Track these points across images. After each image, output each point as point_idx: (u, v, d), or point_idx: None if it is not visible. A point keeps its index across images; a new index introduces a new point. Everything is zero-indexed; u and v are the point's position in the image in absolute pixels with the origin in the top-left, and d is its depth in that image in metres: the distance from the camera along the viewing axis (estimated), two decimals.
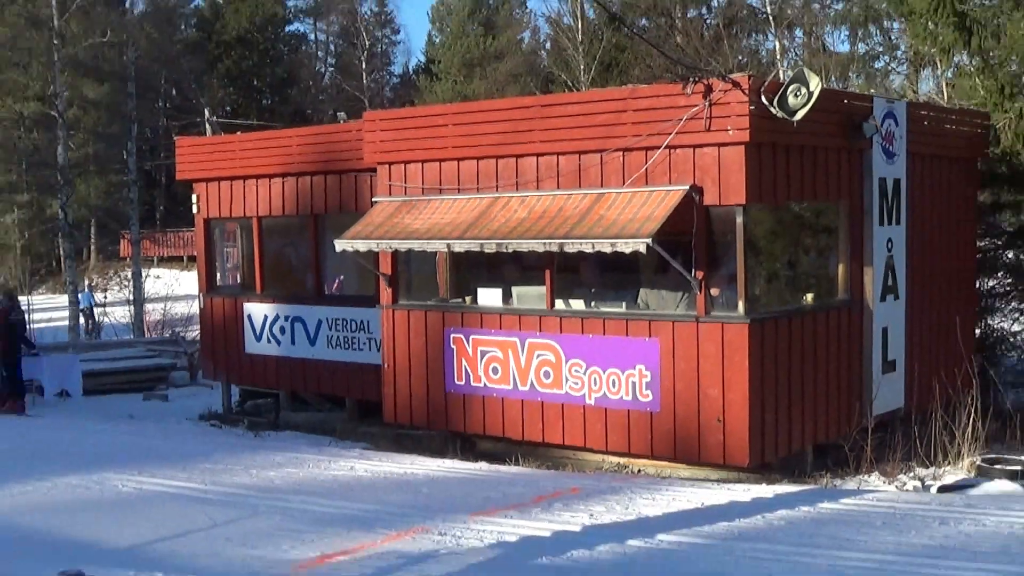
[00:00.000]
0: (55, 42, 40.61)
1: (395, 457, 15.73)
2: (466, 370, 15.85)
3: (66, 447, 17.01)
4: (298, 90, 74.11)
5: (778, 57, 35.49)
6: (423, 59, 72.81)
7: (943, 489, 13.08)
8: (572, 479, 13.96)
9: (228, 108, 63.45)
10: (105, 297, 42.05)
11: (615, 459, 14.89)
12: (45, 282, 56.56)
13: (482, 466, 15.00)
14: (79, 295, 40.55)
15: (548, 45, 59.29)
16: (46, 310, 39.52)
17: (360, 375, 18.16)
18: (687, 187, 13.72)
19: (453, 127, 16.05)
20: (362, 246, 16.11)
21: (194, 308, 28.25)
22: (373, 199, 16.89)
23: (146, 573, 9.57)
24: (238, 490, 13.37)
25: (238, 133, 21.51)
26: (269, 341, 19.54)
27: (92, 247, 61.92)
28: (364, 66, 72.33)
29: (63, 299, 41.58)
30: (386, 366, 16.83)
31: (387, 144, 16.68)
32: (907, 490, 13.18)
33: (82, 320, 39.78)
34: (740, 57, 37.21)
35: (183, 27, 71.34)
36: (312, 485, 13.68)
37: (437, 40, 68.01)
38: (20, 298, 25.92)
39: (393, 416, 16.88)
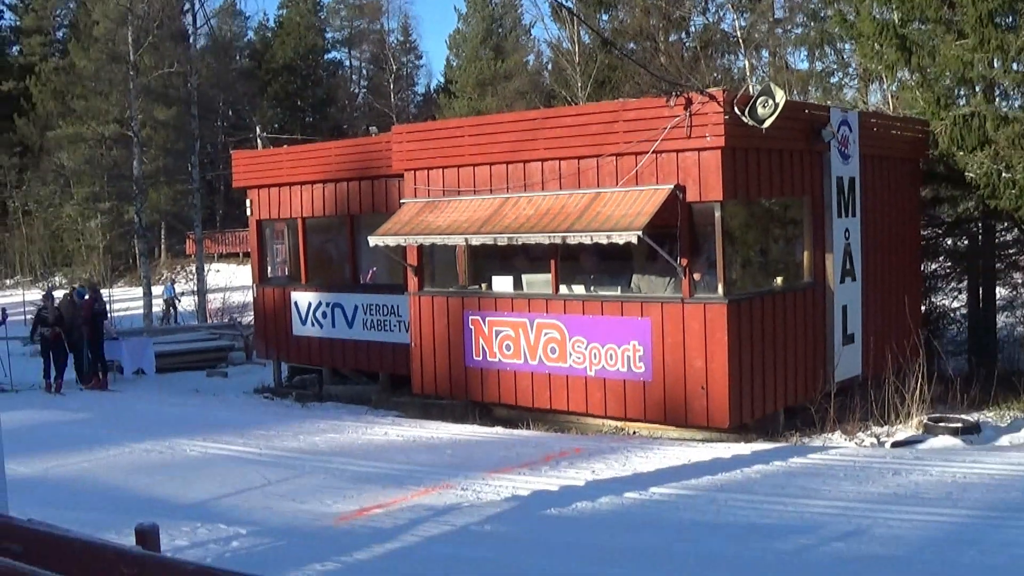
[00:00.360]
0: (131, 73, 40.58)
1: (423, 423, 15.67)
2: (483, 347, 15.74)
3: (142, 417, 16.99)
4: (336, 108, 74.08)
5: (747, 74, 35.22)
6: (442, 80, 72.76)
7: (896, 444, 12.98)
8: (576, 441, 13.87)
9: (276, 125, 63.30)
10: (180, 291, 42.01)
11: (613, 423, 14.77)
12: (123, 277, 56.60)
13: (498, 430, 14.91)
14: (163, 288, 40.76)
15: (550, 66, 58.82)
16: (124, 301, 39.53)
17: (391, 353, 18.05)
18: (672, 186, 13.61)
19: (469, 137, 15.95)
20: (392, 241, 16.03)
21: (248, 297, 28.24)
22: (401, 200, 16.78)
23: (211, 525, 9.54)
24: (288, 453, 13.32)
25: (285, 146, 21.37)
26: (313, 324, 19.43)
27: (162, 246, 61.93)
28: (392, 87, 72.19)
29: (138, 291, 41.56)
30: (414, 345, 16.72)
31: (412, 153, 16.57)
32: (865, 446, 13.07)
33: (166, 308, 39.82)
34: (715, 74, 36.92)
35: (238, 57, 71.35)
36: (351, 448, 13.62)
37: (454, 64, 67.87)
38: (102, 291, 25.83)
39: (420, 388, 16.79)
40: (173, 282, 42.02)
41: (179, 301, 40.05)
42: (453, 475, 11.48)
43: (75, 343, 21.39)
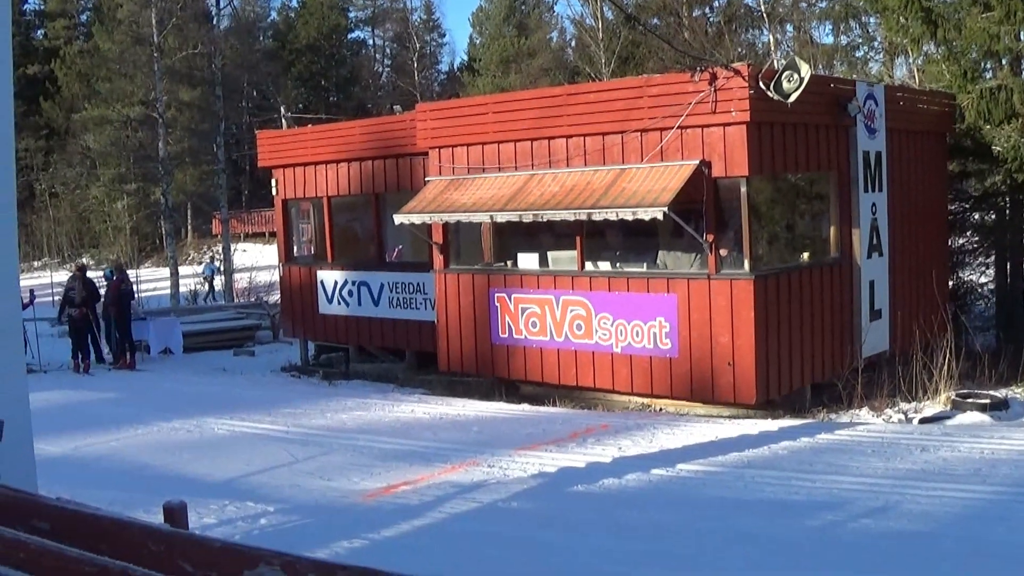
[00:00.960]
0: (155, 55, 40.69)
1: (449, 401, 15.67)
2: (509, 324, 15.72)
3: (169, 396, 17.05)
4: (360, 88, 74.10)
5: (772, 49, 34.99)
6: (466, 58, 72.79)
7: (923, 421, 12.87)
8: (602, 417, 13.83)
9: (300, 105, 63.21)
10: (221, 268, 42.05)
11: (639, 399, 14.74)
12: (150, 257, 56.88)
13: (524, 407, 14.89)
14: (203, 266, 40.90)
15: (573, 43, 58.72)
16: (151, 281, 39.73)
17: (418, 330, 18.05)
18: (697, 162, 13.53)
19: (493, 115, 15.91)
20: (417, 219, 16.02)
21: (275, 276, 28.29)
22: (425, 178, 16.75)
23: (239, 502, 9.57)
24: (315, 431, 13.34)
25: (309, 126, 21.36)
26: (339, 303, 19.46)
27: (189, 226, 62.16)
28: (416, 65, 72.06)
29: (165, 271, 41.75)
30: (439, 322, 16.73)
31: (437, 131, 16.54)
32: (892, 422, 12.98)
33: (206, 286, 40.01)
34: (739, 49, 36.76)
35: (261, 38, 71.40)
36: (378, 426, 13.63)
37: (477, 41, 67.81)
38: (129, 272, 25.92)
39: (447, 365, 16.79)
40: (213, 259, 42.16)
41: (220, 277, 40.25)
42: (480, 452, 11.48)
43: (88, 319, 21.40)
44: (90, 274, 23.40)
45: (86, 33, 62.66)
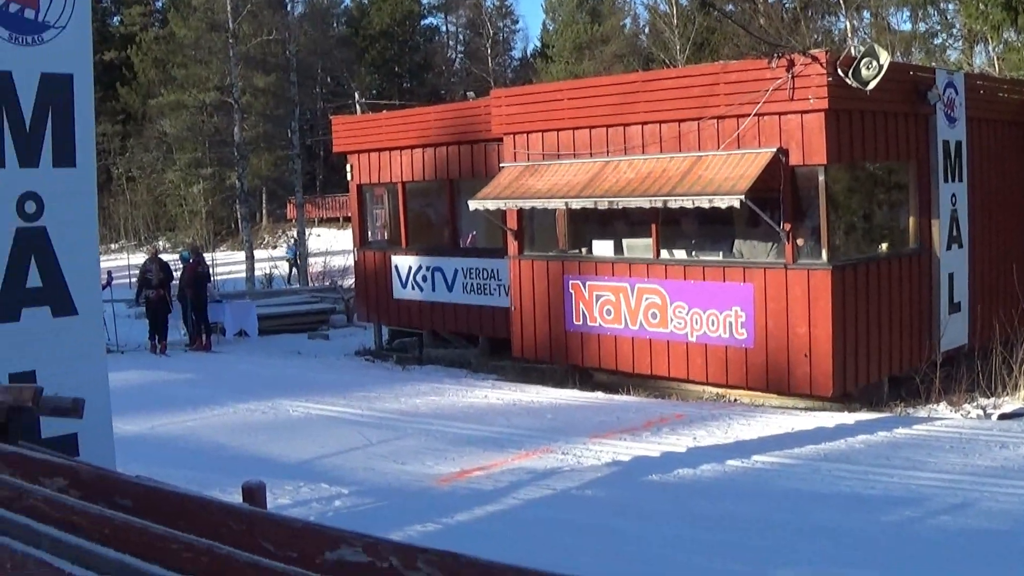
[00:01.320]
0: (230, 41, 41.10)
1: (522, 387, 15.70)
2: (583, 312, 15.70)
3: (245, 378, 17.28)
4: (433, 74, 74.23)
5: (848, 36, 34.53)
6: (539, 44, 72.62)
7: (1003, 417, 12.65)
8: (677, 407, 13.77)
9: (374, 91, 63.55)
10: (307, 249, 42.28)
11: (714, 389, 14.65)
12: (225, 241, 57.56)
13: (598, 395, 14.87)
14: (286, 247, 41.21)
15: (647, 29, 58.47)
16: (226, 264, 40.23)
17: (491, 316, 18.08)
18: (774, 149, 13.40)
19: (568, 101, 15.87)
20: (492, 205, 16.06)
21: (349, 261, 28.47)
22: (500, 164, 16.77)
23: (313, 484, 9.69)
24: (389, 415, 13.45)
25: (384, 112, 21.47)
26: (413, 288, 19.54)
27: (263, 211, 62.77)
28: (489, 52, 72.10)
29: (239, 255, 42.21)
30: (514, 309, 16.75)
31: (512, 117, 16.55)
32: (971, 418, 12.76)
33: (287, 268, 40.38)
34: (816, 36, 36.35)
35: (335, 24, 71.74)
36: (452, 411, 13.71)
37: (551, 28, 67.69)
38: (204, 255, 26.25)
39: (520, 351, 16.81)
40: (295, 242, 42.53)
41: (272, 264, 40.58)
42: (554, 439, 11.50)
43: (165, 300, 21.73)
44: (164, 257, 23.74)
45: (161, 20, 63.33)
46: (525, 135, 16.38)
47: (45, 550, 2.04)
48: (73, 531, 2.20)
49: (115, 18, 71.32)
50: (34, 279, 7.03)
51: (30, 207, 6.98)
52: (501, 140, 16.88)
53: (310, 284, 35.51)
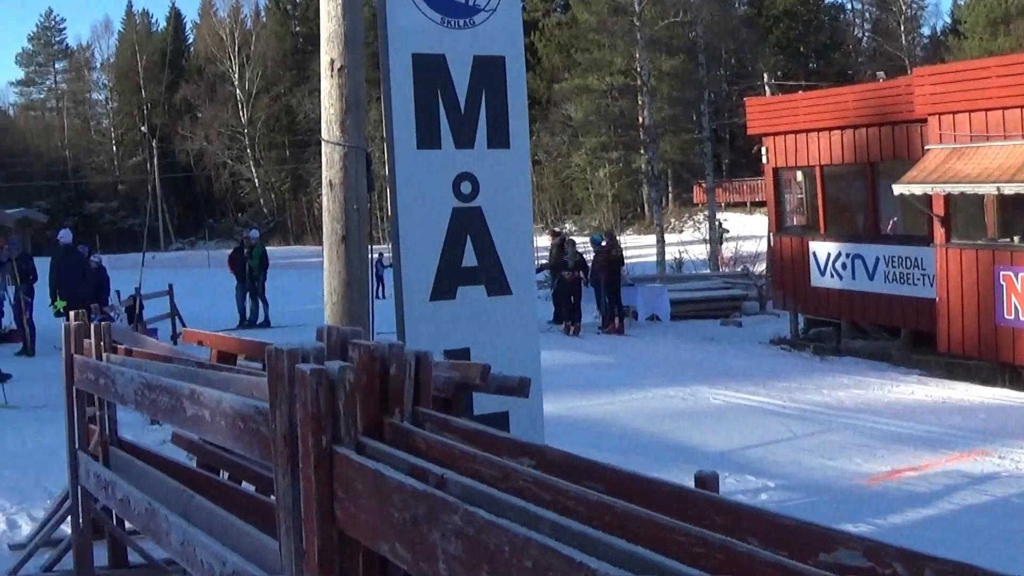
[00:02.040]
0: (636, 24, 41.81)
1: (948, 384, 15.13)
2: (1015, 305, 14.88)
3: (661, 363, 17.56)
4: (840, 54, 72.38)
5: None
6: (949, 21, 69.47)
7: None
8: None
9: (780, 72, 62.64)
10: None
11: None
12: (631, 225, 58.65)
13: None
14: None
15: None
16: (633, 248, 40.98)
17: (914, 308, 17.43)
18: None
19: (996, 79, 15.11)
20: (918, 189, 15.58)
21: (760, 246, 28.31)
22: (924, 147, 16.19)
23: (737, 475, 9.78)
24: (811, 406, 13.34)
25: (800, 92, 21.24)
26: (832, 276, 19.21)
27: (669, 195, 63.47)
28: (902, 28, 69.45)
29: (648, 239, 42.84)
30: (939, 300, 16.13)
31: (935, 96, 15.96)
32: None
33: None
34: None
35: (737, 4, 71.36)
36: (877, 406, 13.41)
37: (962, 2, 64.44)
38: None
39: (946, 346, 16.17)
40: (721, 224, 42.78)
41: (683, 249, 40.94)
42: (989, 442, 11.02)
43: None
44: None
45: (563, 5, 65.30)
46: (951, 115, 15.71)
47: (546, 534, 2.01)
48: (569, 516, 2.17)
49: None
50: (470, 258, 7.34)
51: (466, 188, 7.33)
52: (924, 121, 16.28)
53: (721, 269, 35.61)
